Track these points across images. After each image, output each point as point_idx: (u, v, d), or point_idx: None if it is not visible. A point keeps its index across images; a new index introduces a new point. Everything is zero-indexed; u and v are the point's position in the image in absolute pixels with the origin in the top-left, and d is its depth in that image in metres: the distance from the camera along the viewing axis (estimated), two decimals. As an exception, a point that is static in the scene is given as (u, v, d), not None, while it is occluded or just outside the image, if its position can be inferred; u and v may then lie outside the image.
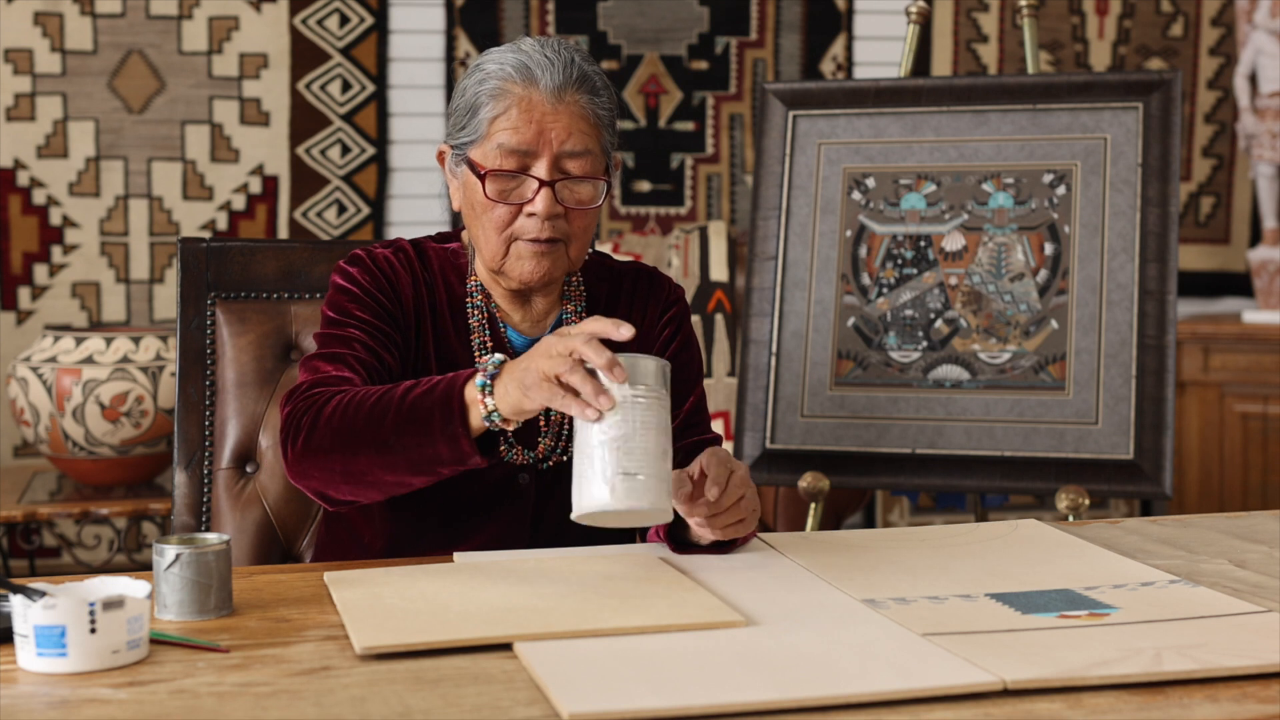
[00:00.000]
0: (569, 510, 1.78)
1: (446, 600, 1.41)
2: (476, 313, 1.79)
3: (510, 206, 1.71)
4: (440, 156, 1.81)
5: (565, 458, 1.79)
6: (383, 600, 1.41)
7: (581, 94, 1.71)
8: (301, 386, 1.65)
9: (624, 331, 1.43)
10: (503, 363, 1.52)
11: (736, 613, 1.37)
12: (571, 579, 1.50)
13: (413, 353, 1.77)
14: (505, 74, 1.70)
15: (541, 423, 1.79)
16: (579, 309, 1.84)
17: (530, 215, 1.70)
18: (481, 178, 1.71)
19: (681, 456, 1.83)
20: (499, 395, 1.49)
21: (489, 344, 1.78)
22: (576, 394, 1.41)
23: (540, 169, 1.70)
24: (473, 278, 1.81)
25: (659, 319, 1.87)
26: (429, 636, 1.29)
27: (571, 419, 1.80)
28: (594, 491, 1.41)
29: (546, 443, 1.78)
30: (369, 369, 1.69)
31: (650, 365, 1.43)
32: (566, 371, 1.41)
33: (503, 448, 1.76)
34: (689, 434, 1.85)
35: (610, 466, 1.40)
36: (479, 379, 1.51)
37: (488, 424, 1.51)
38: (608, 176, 1.75)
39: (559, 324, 1.82)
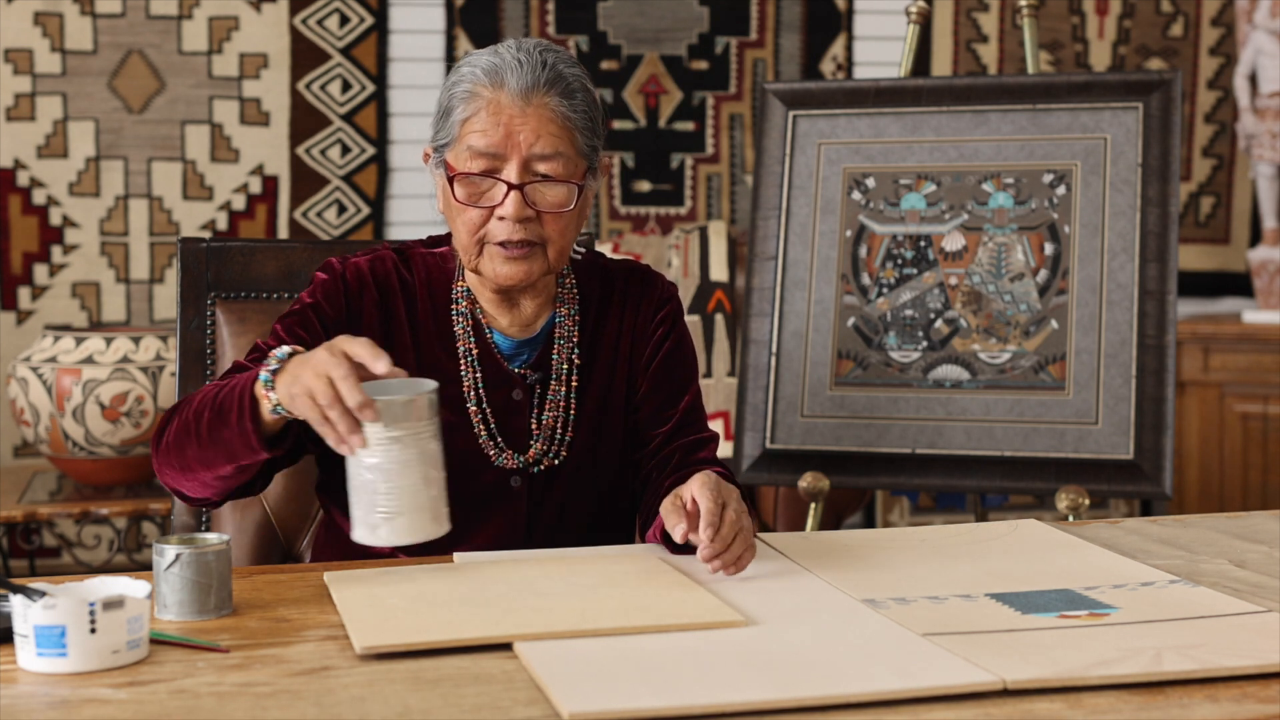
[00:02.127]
0: (562, 513, 1.78)
1: (446, 600, 1.41)
2: (461, 319, 1.78)
3: (481, 210, 1.71)
4: (425, 157, 1.80)
5: (557, 461, 1.78)
6: (383, 600, 1.41)
7: (552, 96, 1.69)
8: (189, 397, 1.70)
9: (380, 366, 1.45)
10: (290, 355, 1.53)
11: (736, 613, 1.37)
12: (571, 579, 1.50)
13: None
14: (476, 77, 1.70)
15: (534, 426, 1.78)
16: (572, 312, 1.82)
17: (500, 218, 1.70)
18: (451, 180, 1.71)
19: (679, 456, 1.83)
20: (280, 391, 1.51)
21: (474, 350, 1.77)
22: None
23: (509, 172, 1.69)
24: (459, 282, 1.80)
25: (652, 318, 1.86)
26: (429, 636, 1.29)
27: (563, 421, 1.79)
28: (360, 531, 1.48)
29: (539, 446, 1.77)
30: None
31: (405, 406, 1.44)
32: (326, 405, 1.43)
33: (492, 452, 1.75)
34: (684, 434, 1.84)
35: (371, 508, 1.46)
36: (263, 374, 1.52)
37: (276, 415, 1.52)
38: (584, 179, 1.73)
39: (550, 326, 1.81)
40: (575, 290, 1.84)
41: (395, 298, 1.78)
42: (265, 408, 1.53)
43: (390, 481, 1.44)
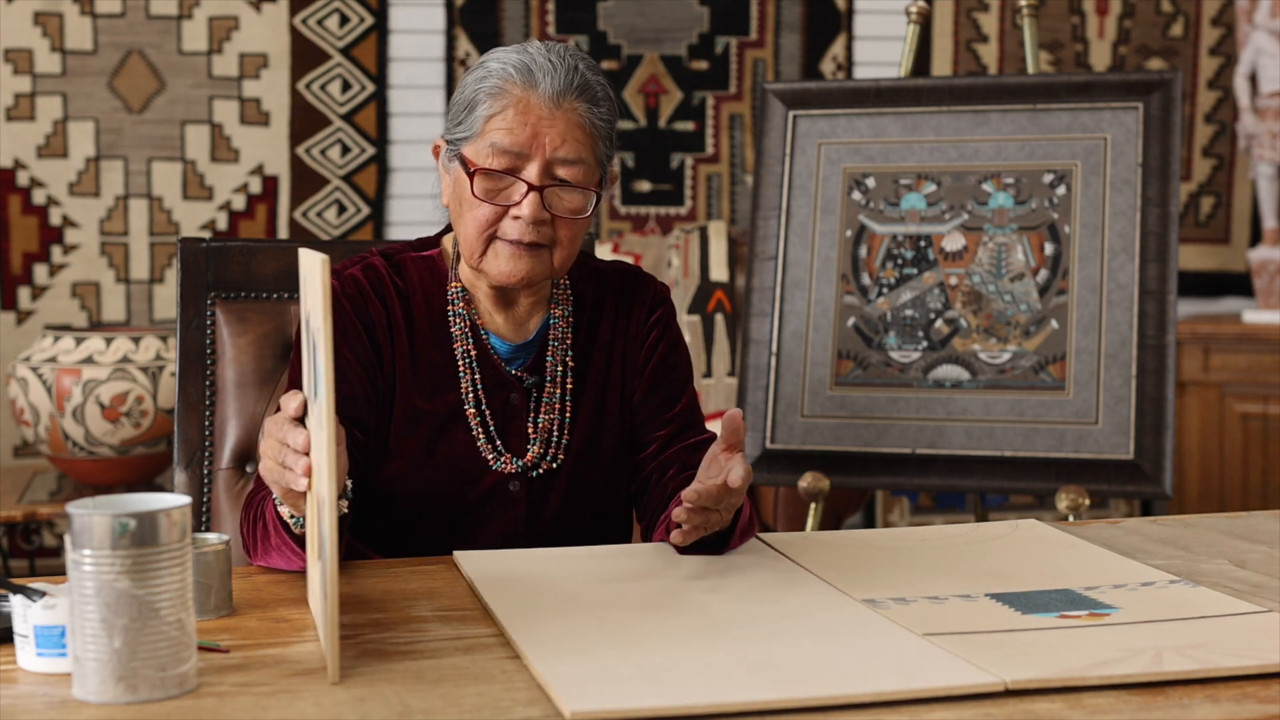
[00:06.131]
0: (560, 517, 1.78)
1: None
2: (458, 320, 1.77)
3: (496, 207, 1.69)
4: (436, 150, 1.79)
5: (555, 464, 1.77)
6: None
7: (581, 102, 1.69)
8: (250, 493, 1.68)
9: (290, 406, 1.40)
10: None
11: None
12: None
13: (388, 368, 1.75)
14: (506, 74, 1.69)
15: (530, 430, 1.77)
16: (566, 314, 1.81)
17: (515, 218, 1.69)
18: (471, 175, 1.69)
19: (681, 460, 1.82)
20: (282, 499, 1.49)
21: (472, 351, 1.76)
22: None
23: (531, 172, 1.68)
24: (454, 284, 1.78)
25: (646, 321, 1.85)
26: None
27: (559, 424, 1.78)
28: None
29: (535, 450, 1.76)
30: None
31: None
32: (278, 463, 1.40)
33: (490, 456, 1.75)
34: (683, 437, 1.83)
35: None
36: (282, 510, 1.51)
37: (301, 527, 1.51)
38: (600, 188, 1.73)
39: (545, 328, 1.80)
40: (569, 292, 1.83)
41: (393, 304, 1.77)
42: (291, 522, 1.52)
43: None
